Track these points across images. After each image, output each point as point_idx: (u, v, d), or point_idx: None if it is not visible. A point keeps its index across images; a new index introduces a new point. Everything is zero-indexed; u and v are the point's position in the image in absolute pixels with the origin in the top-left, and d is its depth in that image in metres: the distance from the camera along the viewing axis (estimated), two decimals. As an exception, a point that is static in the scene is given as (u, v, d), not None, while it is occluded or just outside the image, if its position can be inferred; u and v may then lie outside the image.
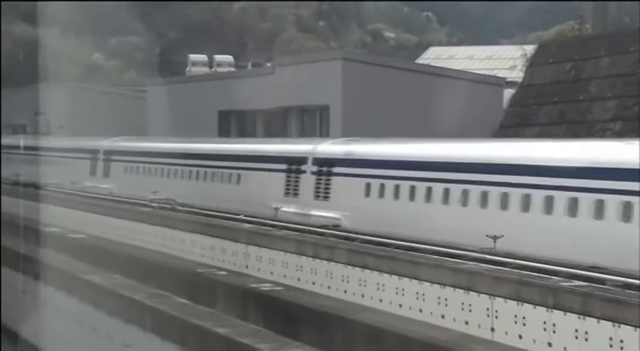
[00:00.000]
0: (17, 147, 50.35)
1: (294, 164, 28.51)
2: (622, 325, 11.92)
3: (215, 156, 34.13)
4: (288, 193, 28.55)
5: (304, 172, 27.99)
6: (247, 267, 21.37)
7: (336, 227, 22.72)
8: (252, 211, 25.27)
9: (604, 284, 13.78)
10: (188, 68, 71.57)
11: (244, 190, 30.85)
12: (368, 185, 23.66)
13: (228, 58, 72.56)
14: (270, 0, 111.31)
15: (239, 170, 31.81)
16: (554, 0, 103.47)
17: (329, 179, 26.36)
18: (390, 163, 23.75)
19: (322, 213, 26.26)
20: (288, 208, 27.33)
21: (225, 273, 21.48)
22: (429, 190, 22.17)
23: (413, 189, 22.60)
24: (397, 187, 23.17)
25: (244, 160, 32.03)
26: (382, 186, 23.59)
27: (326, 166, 26.67)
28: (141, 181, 37.27)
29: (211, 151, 34.98)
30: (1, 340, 28.93)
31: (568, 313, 12.77)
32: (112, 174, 41.10)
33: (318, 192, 27.02)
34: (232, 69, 66.53)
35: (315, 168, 27.58)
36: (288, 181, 28.57)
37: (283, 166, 28.99)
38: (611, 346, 12.04)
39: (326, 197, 26.58)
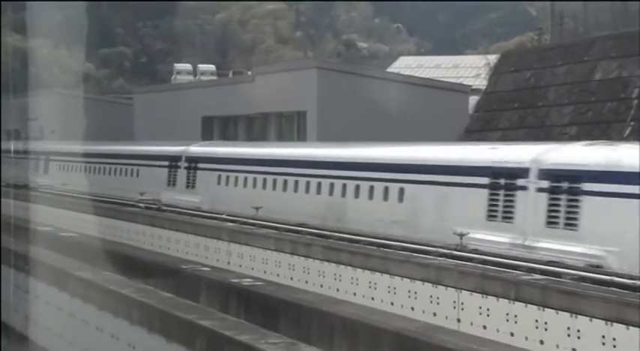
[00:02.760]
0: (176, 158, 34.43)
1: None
2: (578, 316, 11.97)
3: None
4: None
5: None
6: (229, 263, 21.32)
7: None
8: None
9: (560, 277, 13.86)
10: (173, 77, 71.34)
11: None
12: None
13: (211, 67, 72.43)
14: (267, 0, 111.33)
15: None
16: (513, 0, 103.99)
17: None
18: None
19: None
20: None
21: (208, 269, 21.41)
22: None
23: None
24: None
25: None
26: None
27: None
28: None
29: None
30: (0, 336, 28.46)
31: (529, 305, 12.82)
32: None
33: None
34: (215, 77, 66.37)
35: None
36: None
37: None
38: (568, 335, 12.10)
39: None
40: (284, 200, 26.29)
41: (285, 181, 26.76)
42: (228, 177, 30.31)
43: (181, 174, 33.24)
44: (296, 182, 26.20)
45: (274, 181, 27.38)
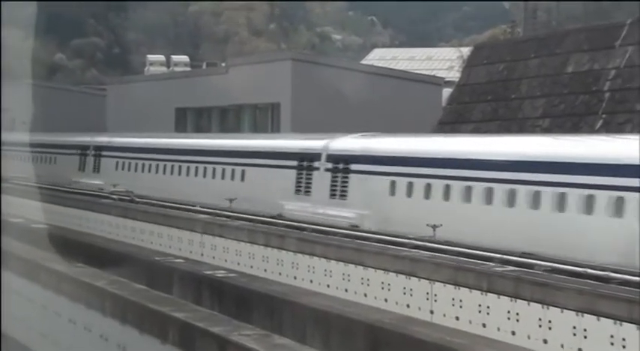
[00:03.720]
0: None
1: None
2: (550, 307, 12.04)
3: None
4: None
5: None
6: (203, 255, 21.25)
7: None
8: None
9: (533, 268, 13.93)
10: (146, 68, 70.96)
11: None
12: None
13: (185, 58, 72.16)
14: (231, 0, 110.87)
15: None
16: (490, 0, 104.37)
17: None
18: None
19: None
20: None
21: (181, 261, 21.34)
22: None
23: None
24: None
25: None
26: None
27: None
28: None
29: None
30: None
31: (501, 296, 12.87)
32: None
33: None
34: (188, 68, 66.08)
35: None
36: None
37: None
38: (540, 326, 12.17)
39: None
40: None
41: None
42: (411, 184, 20.63)
43: (320, 178, 23.71)
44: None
45: (509, 192, 18.12)
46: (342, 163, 23.08)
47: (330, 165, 23.53)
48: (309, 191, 24.09)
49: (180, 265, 20.86)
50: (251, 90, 43.13)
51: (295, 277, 17.67)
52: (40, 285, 24.32)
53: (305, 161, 24.48)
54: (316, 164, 24.00)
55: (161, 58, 72.02)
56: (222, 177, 28.25)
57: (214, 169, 28.82)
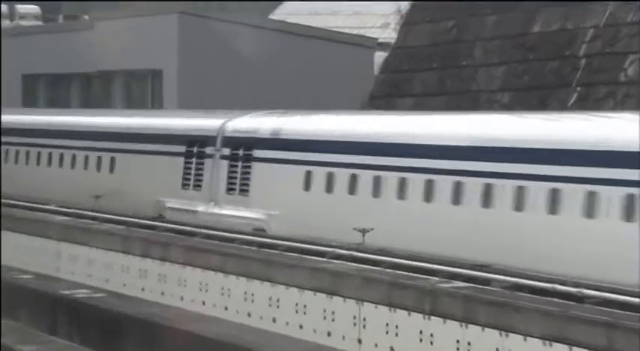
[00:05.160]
0: None
1: None
2: (510, 334, 12.27)
3: None
4: None
5: None
6: (59, 269, 21.06)
7: None
8: None
9: (489, 285, 14.18)
10: (-20, 20, 69.74)
11: None
12: None
13: (34, 8, 70.95)
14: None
15: None
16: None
17: None
18: None
19: None
20: None
21: (30, 277, 21.10)
22: None
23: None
24: None
25: None
26: None
27: None
28: None
29: None
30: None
31: (448, 321, 13.07)
32: None
33: None
34: (39, 22, 65.15)
35: None
36: None
37: None
38: (497, 358, 12.41)
39: None
40: None
41: None
42: None
43: None
44: None
45: None
46: None
47: None
48: None
49: (28, 282, 20.64)
50: (124, 52, 42.75)
51: (182, 298, 17.67)
52: None
53: None
54: None
55: (2, 7, 70.81)
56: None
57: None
